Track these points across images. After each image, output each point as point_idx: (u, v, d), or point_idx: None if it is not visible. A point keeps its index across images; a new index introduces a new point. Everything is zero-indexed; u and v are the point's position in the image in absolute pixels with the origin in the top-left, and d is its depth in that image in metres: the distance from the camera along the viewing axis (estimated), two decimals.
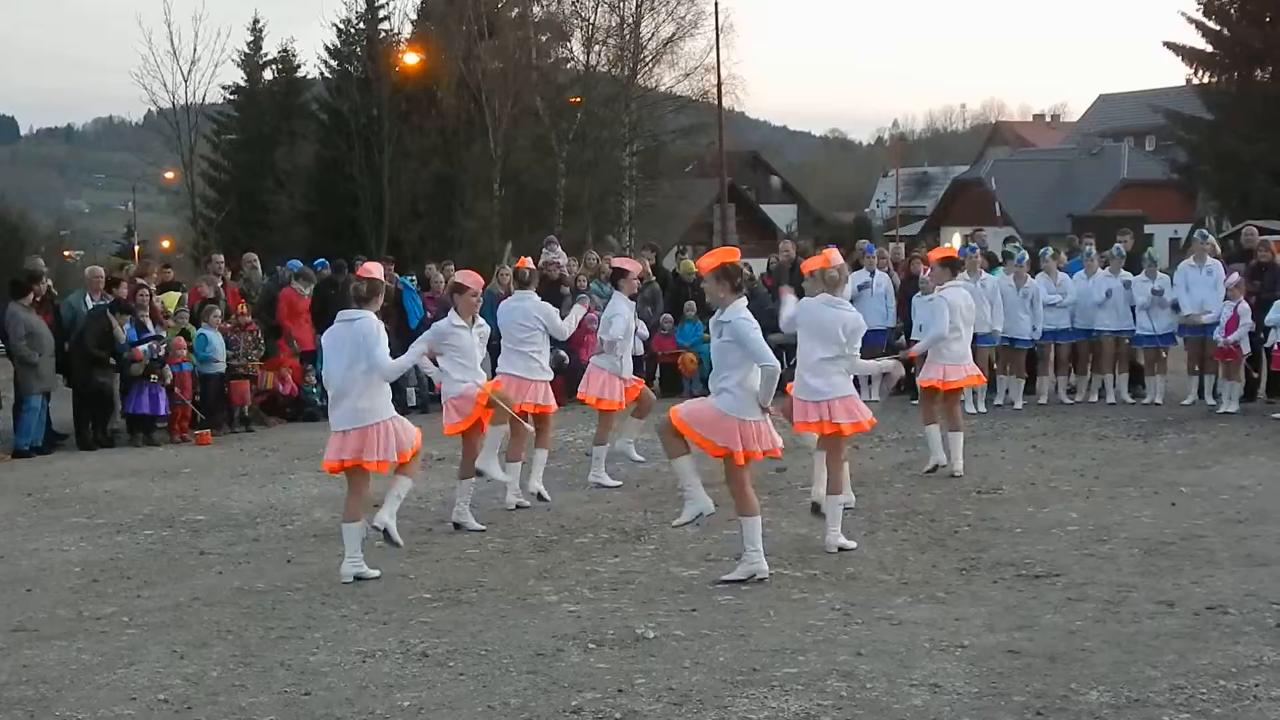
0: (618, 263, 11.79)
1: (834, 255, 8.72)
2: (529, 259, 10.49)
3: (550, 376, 10.31)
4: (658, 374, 16.58)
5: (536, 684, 5.87)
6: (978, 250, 15.84)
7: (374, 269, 8.49)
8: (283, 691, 5.88)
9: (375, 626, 6.88)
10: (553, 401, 10.24)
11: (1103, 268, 15.34)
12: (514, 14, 43.17)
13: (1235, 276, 14.34)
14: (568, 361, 16.61)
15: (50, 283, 14.67)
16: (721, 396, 7.58)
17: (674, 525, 8.18)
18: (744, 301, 7.67)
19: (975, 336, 14.74)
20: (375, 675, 6.07)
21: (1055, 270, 15.44)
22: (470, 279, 9.56)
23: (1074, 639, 6.33)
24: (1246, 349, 14.15)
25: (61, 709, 5.74)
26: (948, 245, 13.01)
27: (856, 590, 7.39)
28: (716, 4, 40.63)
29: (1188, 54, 38.38)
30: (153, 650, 6.56)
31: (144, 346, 13.83)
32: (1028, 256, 15.88)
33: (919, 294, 14.97)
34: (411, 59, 40.08)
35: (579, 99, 41.86)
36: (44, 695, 5.93)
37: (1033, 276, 15.33)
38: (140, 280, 15.16)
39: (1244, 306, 14.04)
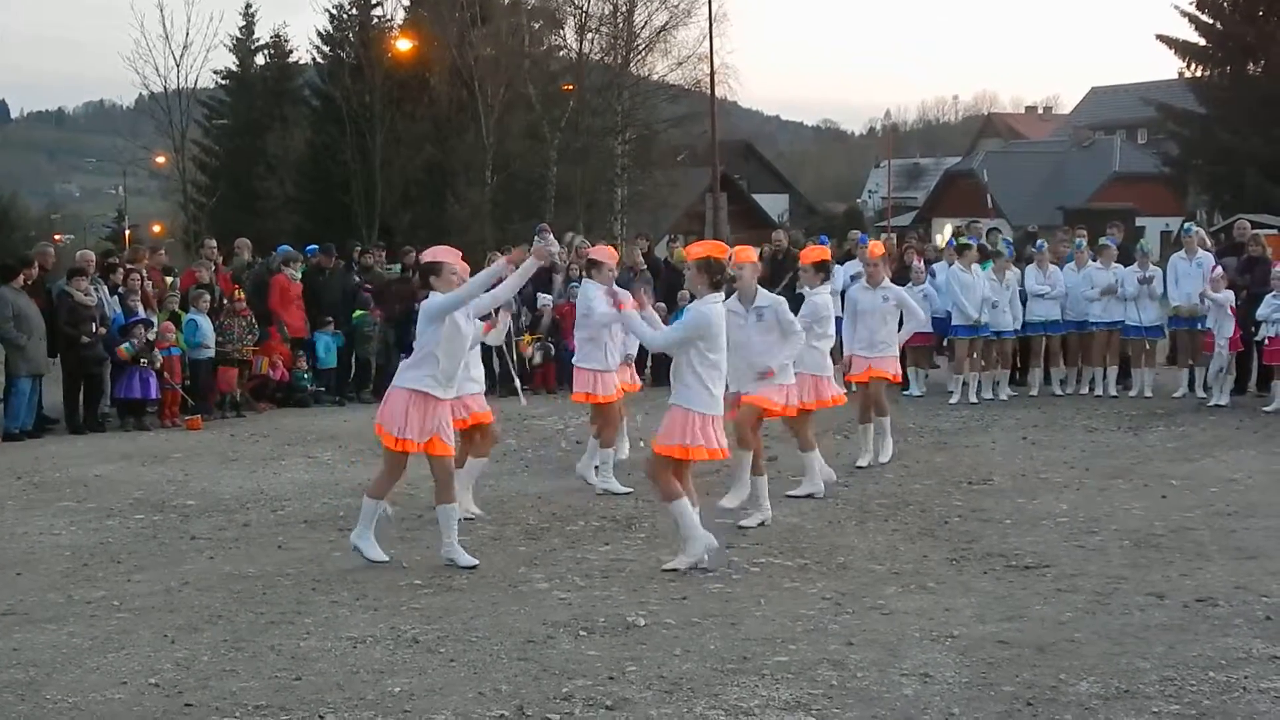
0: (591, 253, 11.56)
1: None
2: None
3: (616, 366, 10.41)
4: (649, 363, 16.54)
5: (527, 671, 5.87)
6: (974, 244, 15.87)
7: (439, 253, 8.02)
8: (273, 676, 5.88)
9: (366, 612, 6.88)
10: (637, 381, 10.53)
11: (1093, 260, 15.36)
12: (507, 1, 43.06)
13: (1215, 275, 14.24)
14: (553, 352, 16.65)
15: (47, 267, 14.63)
16: (678, 391, 7.62)
17: (682, 569, 7.70)
18: (720, 297, 7.72)
19: (961, 328, 14.90)
20: (366, 661, 6.07)
21: (1047, 262, 15.44)
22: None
23: (1064, 630, 6.35)
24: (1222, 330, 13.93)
25: (52, 692, 5.73)
26: (820, 244, 13.08)
27: (847, 580, 7.41)
28: None
29: (1180, 47, 38.43)
30: (143, 634, 6.55)
31: (127, 344, 13.81)
32: (1012, 251, 15.91)
33: (910, 284, 14.98)
34: (404, 45, 39.95)
35: (571, 87, 41.76)
36: (34, 678, 5.92)
37: (1023, 267, 15.35)
38: (131, 265, 15.12)
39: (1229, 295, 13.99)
